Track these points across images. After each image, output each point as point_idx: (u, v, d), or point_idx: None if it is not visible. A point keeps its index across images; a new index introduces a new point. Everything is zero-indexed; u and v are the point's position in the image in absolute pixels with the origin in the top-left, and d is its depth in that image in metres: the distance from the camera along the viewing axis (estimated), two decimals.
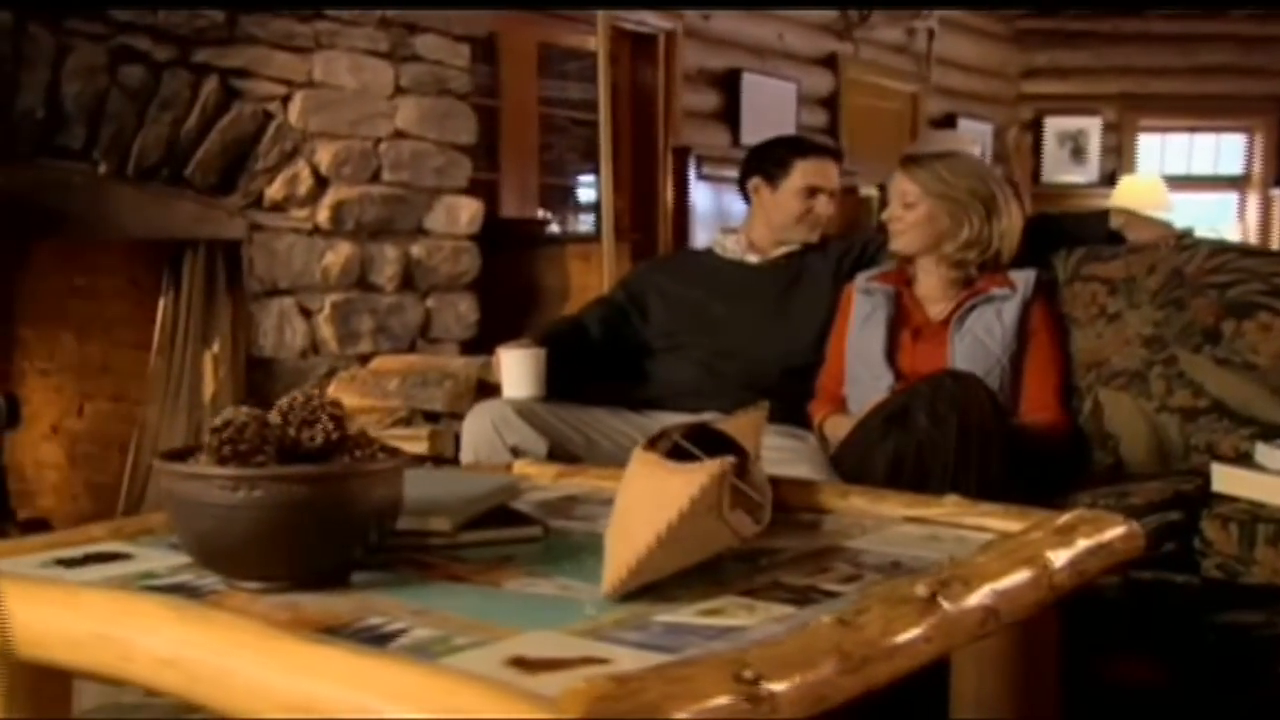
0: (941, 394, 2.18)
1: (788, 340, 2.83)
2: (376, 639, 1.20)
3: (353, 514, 1.35)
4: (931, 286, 2.80)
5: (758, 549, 1.60)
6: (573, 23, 6.35)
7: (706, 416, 2.70)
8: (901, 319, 2.76)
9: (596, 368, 2.94)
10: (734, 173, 6.81)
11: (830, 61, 7.45)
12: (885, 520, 1.78)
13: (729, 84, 6.93)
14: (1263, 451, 2.23)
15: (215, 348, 3.22)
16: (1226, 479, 2.25)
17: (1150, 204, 7.28)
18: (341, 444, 1.38)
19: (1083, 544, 1.54)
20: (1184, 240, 2.84)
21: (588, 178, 6.58)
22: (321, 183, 3.46)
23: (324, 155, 3.45)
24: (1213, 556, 2.08)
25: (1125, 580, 2.13)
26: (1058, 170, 9.21)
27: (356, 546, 1.37)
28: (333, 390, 3.39)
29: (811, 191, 2.89)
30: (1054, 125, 9.25)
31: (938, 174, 2.73)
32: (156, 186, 3.11)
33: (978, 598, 1.34)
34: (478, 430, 2.47)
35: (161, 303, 3.20)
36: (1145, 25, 8.74)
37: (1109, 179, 8.98)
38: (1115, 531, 1.62)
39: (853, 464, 2.39)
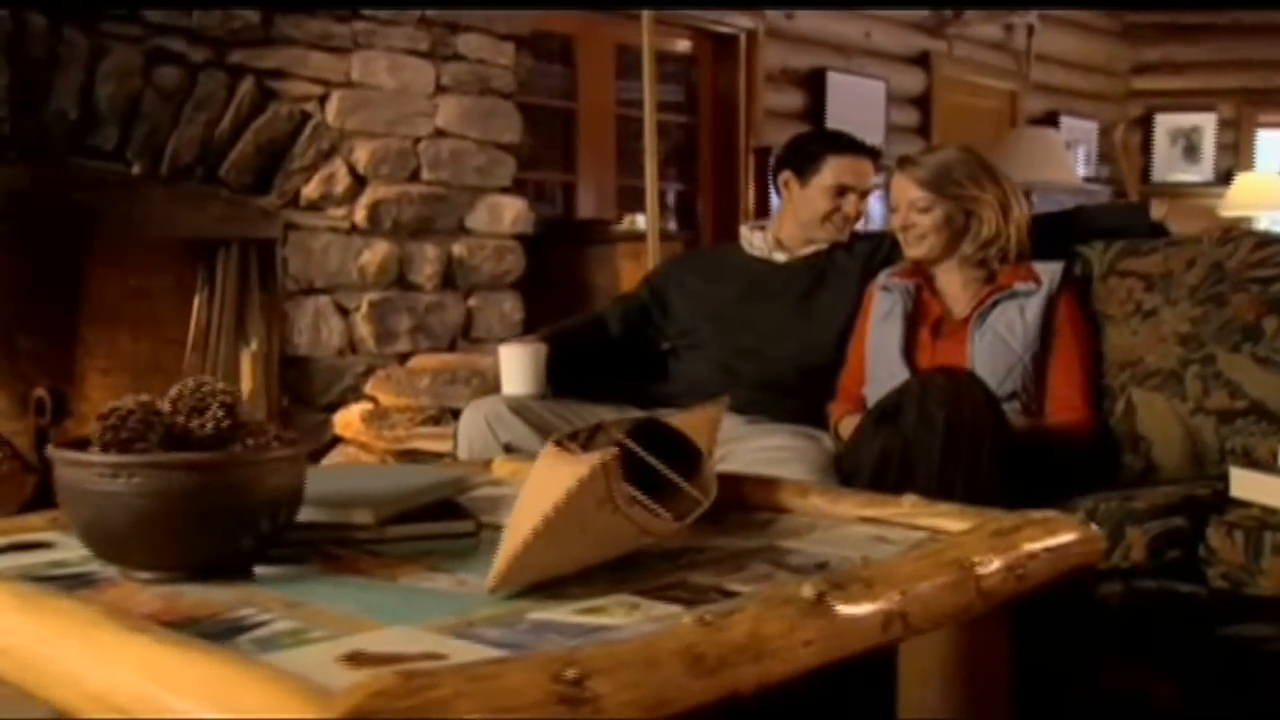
0: (932, 391, 2.08)
1: (808, 339, 2.76)
2: (231, 631, 1.18)
3: (238, 503, 1.33)
4: (952, 283, 2.71)
5: (688, 547, 1.54)
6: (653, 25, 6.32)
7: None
8: (921, 316, 2.67)
9: (615, 364, 2.90)
10: None
11: (922, 59, 7.30)
12: (840, 520, 1.71)
13: (813, 83, 6.83)
14: None
15: (253, 346, 3.25)
16: (1244, 483, 2.12)
17: (1269, 203, 7.00)
18: (233, 432, 1.35)
19: (1026, 548, 1.45)
20: (1231, 232, 2.70)
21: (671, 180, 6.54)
22: (360, 182, 3.48)
23: (361, 154, 3.46)
24: (1218, 566, 1.96)
25: (1128, 589, 2.02)
26: (1169, 169, 8.89)
27: (245, 537, 1.35)
28: (369, 389, 3.40)
29: (842, 190, 2.80)
30: (1165, 122, 8.93)
31: (944, 173, 2.63)
32: (191, 186, 3.15)
33: (880, 601, 1.26)
34: (472, 426, 2.44)
35: (196, 300, 3.25)
36: (1268, 17, 8.38)
37: (1224, 177, 8.63)
38: (1068, 536, 1.53)
39: (848, 464, 2.32)
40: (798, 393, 2.69)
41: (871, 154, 2.88)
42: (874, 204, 5.00)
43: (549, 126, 5.97)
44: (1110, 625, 2.03)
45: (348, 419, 3.29)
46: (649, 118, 3.86)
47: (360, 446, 3.28)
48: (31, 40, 2.89)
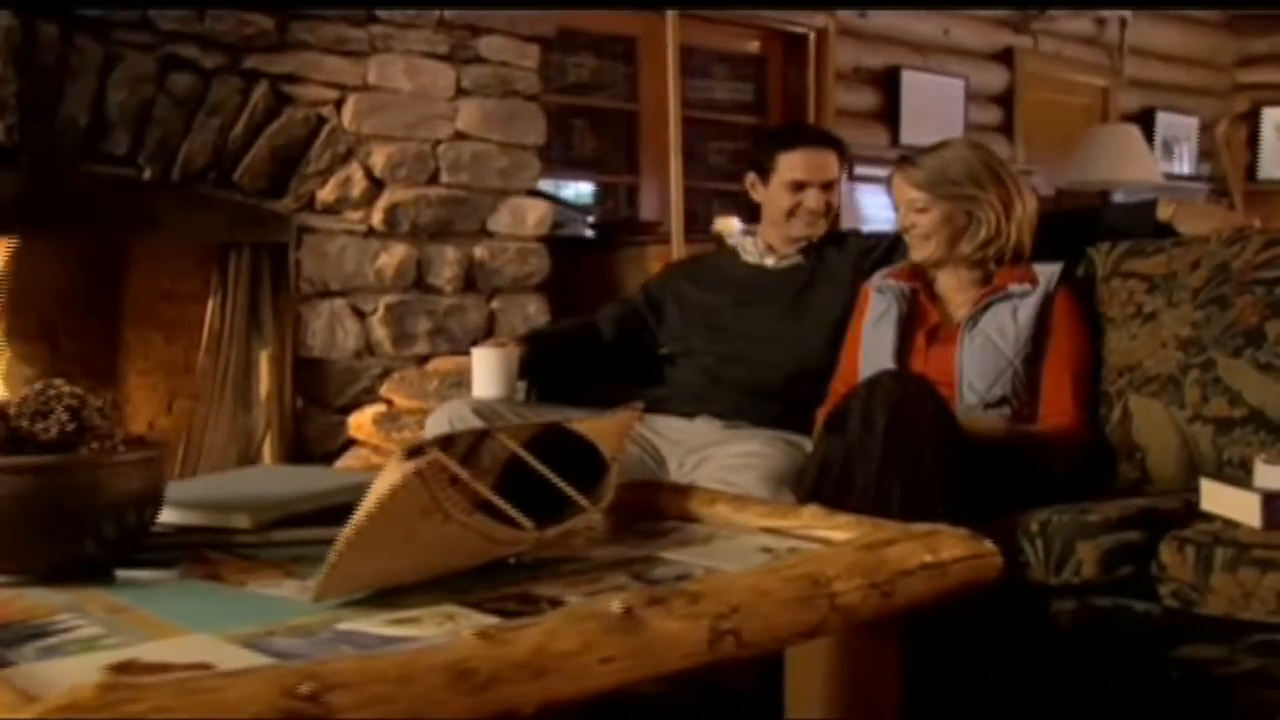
0: (877, 396, 2.01)
1: (799, 344, 2.70)
2: (28, 636, 1.18)
3: (80, 507, 1.33)
4: (950, 285, 2.63)
5: (563, 557, 1.52)
6: (718, 24, 6.28)
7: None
8: (917, 319, 2.59)
9: (607, 368, 2.87)
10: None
11: (1005, 56, 7.12)
12: (741, 530, 1.66)
13: (887, 82, 6.72)
14: (1261, 468, 1.98)
15: (271, 348, 3.29)
16: (1214, 496, 2.02)
17: None
18: (79, 436, 1.35)
19: (895, 564, 1.39)
20: (1243, 232, 2.57)
21: (734, 182, 6.48)
22: (377, 185, 3.49)
23: (379, 158, 3.47)
24: (1168, 583, 1.85)
25: (1080, 606, 1.93)
26: (1277, 166, 8.56)
27: (88, 541, 1.35)
28: (384, 391, 3.41)
29: (799, 185, 2.74)
30: (1273, 117, 8.59)
31: (940, 173, 2.55)
32: (203, 190, 3.19)
33: (704, 618, 1.21)
34: (437, 429, 2.42)
35: (210, 303, 3.29)
36: None
37: None
38: (952, 552, 1.45)
39: (807, 472, 2.25)
40: (786, 398, 2.64)
41: (826, 144, 2.80)
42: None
43: (612, 129, 5.97)
44: (1062, 645, 1.94)
45: (360, 421, 3.30)
46: (673, 115, 3.83)
47: (373, 449, 3.29)
48: (42, 48, 2.95)
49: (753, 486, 2.22)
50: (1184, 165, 8.01)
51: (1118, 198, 6.47)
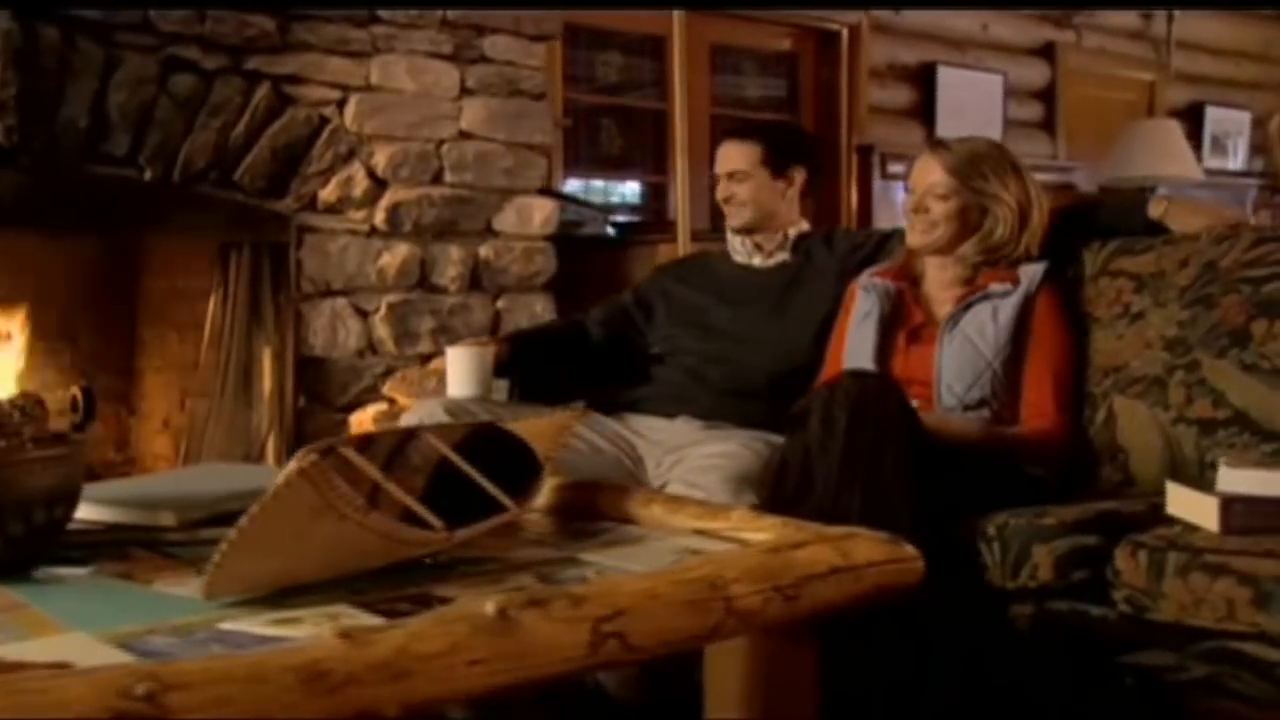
0: (837, 396, 1.99)
1: (782, 343, 2.68)
2: None
3: None
4: (936, 284, 2.59)
5: (481, 557, 1.51)
6: (750, 22, 6.26)
7: (680, 421, 2.61)
8: (900, 318, 2.56)
9: (593, 368, 2.86)
10: None
11: (1046, 51, 7.03)
12: (673, 532, 1.64)
13: (923, 79, 6.66)
14: (1224, 471, 1.93)
15: (272, 346, 3.32)
16: (1177, 500, 1.97)
17: None
18: None
19: (801, 568, 1.37)
20: (1237, 229, 2.50)
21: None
22: (380, 184, 3.51)
23: (381, 157, 3.49)
24: (1121, 588, 1.81)
25: (1038, 611, 1.90)
26: None
27: None
28: (386, 389, 3.43)
29: (717, 178, 2.83)
30: None
31: (975, 165, 2.50)
32: (203, 190, 3.23)
33: (585, 621, 1.20)
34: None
35: (211, 301, 3.33)
36: None
37: None
38: (872, 556, 1.43)
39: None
40: (768, 397, 2.61)
41: (734, 136, 2.88)
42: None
43: (639, 128, 5.96)
44: (1019, 649, 1.90)
45: (362, 419, 3.32)
46: (679, 110, 3.81)
47: None
48: (44, 51, 3.00)
49: (715, 488, 2.20)
50: (1236, 161, 7.85)
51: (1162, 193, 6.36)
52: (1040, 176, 7.01)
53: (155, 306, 3.88)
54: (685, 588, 1.28)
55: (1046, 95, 7.03)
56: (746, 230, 2.80)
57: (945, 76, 6.67)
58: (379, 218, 3.51)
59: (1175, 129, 6.52)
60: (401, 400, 3.46)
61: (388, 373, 3.49)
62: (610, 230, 4.61)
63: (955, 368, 2.43)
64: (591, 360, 2.86)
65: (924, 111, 6.63)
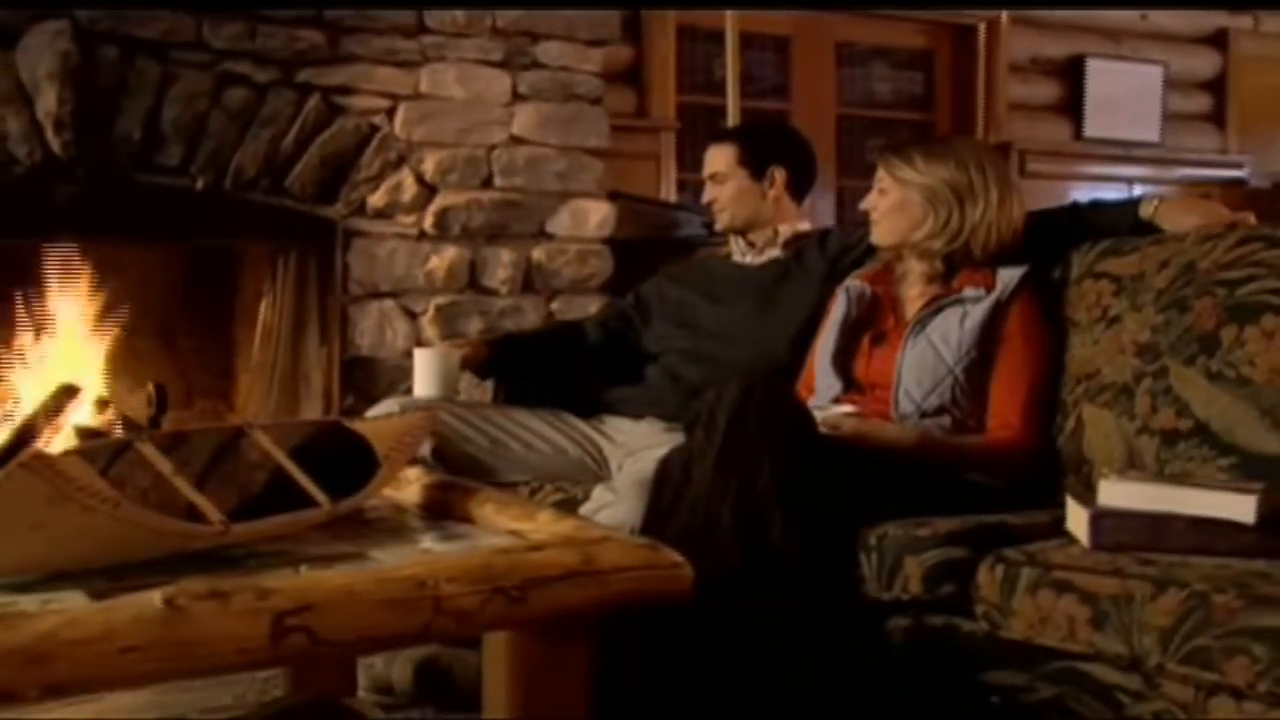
0: (722, 400, 1.97)
1: (761, 342, 2.67)
2: None
3: None
4: (912, 286, 2.54)
5: (272, 552, 1.56)
6: (879, 19, 6.16)
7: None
8: (869, 321, 2.52)
9: (589, 369, 2.89)
10: (1072, 168, 6.31)
11: (1218, 39, 6.68)
12: (491, 531, 1.67)
13: (1071, 72, 6.42)
14: (1104, 484, 1.83)
15: (320, 346, 3.48)
16: (1071, 513, 1.88)
17: None
18: None
19: (540, 570, 1.38)
20: (1231, 228, 2.36)
21: None
22: (429, 190, 3.62)
23: (430, 163, 3.60)
24: (981, 603, 1.74)
25: (913, 624, 1.85)
26: None
27: None
28: None
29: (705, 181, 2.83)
30: None
31: (911, 160, 2.48)
32: (255, 197, 3.40)
33: (266, 614, 1.25)
34: None
35: (263, 304, 3.50)
36: None
37: None
38: (622, 561, 1.43)
39: None
40: None
41: (715, 139, 2.89)
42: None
43: None
44: (893, 664, 1.86)
45: None
46: (732, 106, 3.79)
47: None
48: (102, 70, 3.21)
49: (627, 493, 2.20)
50: None
51: None
52: (1206, 172, 6.64)
53: (247, 308, 4.08)
54: (389, 585, 1.31)
55: (1215, 85, 6.68)
56: (733, 232, 2.79)
57: (1096, 69, 6.42)
58: (428, 222, 3.62)
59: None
60: None
61: None
62: (705, 232, 4.61)
63: (915, 373, 2.37)
64: (588, 362, 2.88)
65: (1071, 106, 6.40)
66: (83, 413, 3.66)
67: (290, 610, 1.25)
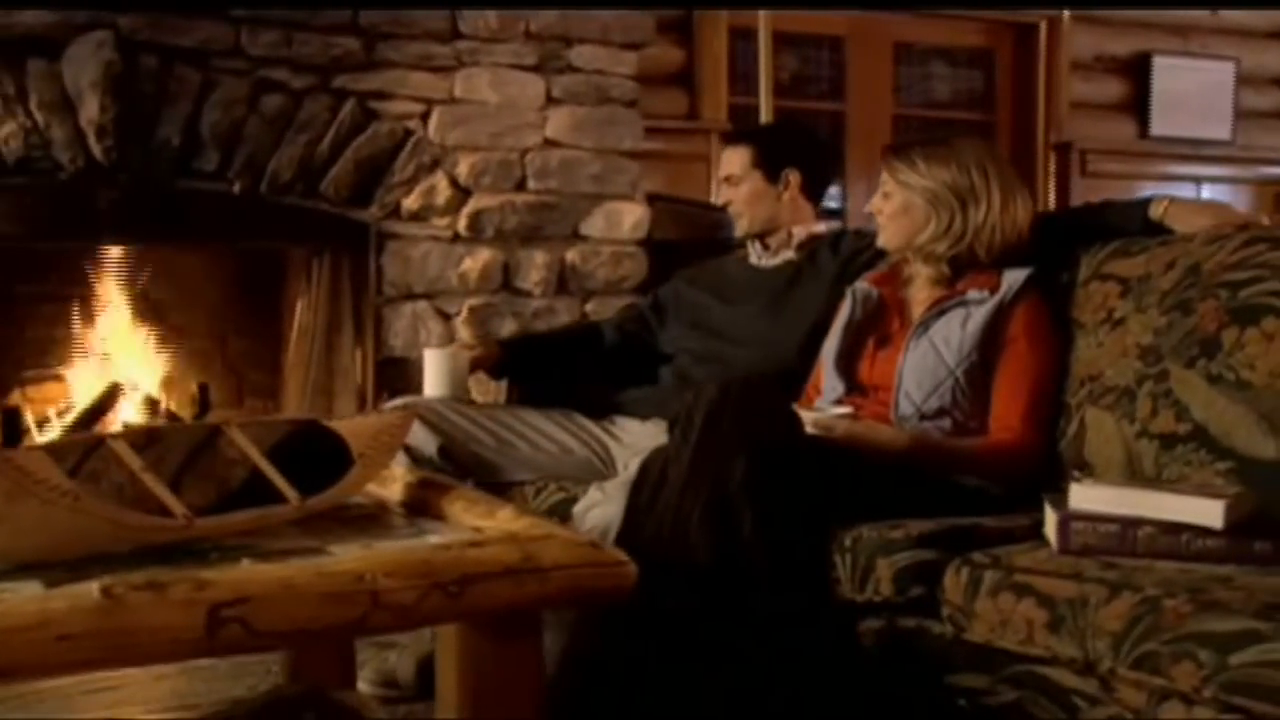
0: (701, 399, 1.99)
1: (771, 344, 2.69)
2: None
3: None
4: (919, 288, 2.53)
5: (240, 545, 1.61)
6: (938, 18, 6.12)
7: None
8: (875, 323, 2.52)
9: (606, 371, 2.91)
10: (1137, 168, 6.21)
11: None
12: (456, 528, 1.70)
13: (1136, 70, 6.33)
14: (1075, 488, 1.82)
15: (353, 345, 3.55)
16: (1048, 517, 1.87)
17: None
18: None
19: (478, 566, 1.41)
20: (1242, 230, 2.32)
21: None
22: (463, 192, 3.67)
23: (464, 167, 3.66)
24: (946, 606, 1.74)
25: (886, 626, 1.85)
26: None
27: None
28: None
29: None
30: None
31: (913, 163, 2.48)
32: (291, 201, 3.48)
33: (204, 605, 1.29)
34: None
35: (299, 305, 3.58)
36: None
37: None
38: (563, 559, 1.46)
39: None
40: None
41: (729, 141, 2.92)
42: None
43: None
44: (865, 665, 1.86)
45: None
46: (765, 106, 3.79)
47: None
48: (143, 79, 3.31)
49: (616, 493, 2.22)
50: None
51: None
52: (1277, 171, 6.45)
53: (293, 308, 4.17)
54: (328, 579, 1.35)
55: None
56: (752, 237, 2.80)
57: (1162, 66, 6.32)
58: (461, 224, 3.68)
59: None
60: (479, 398, 3.62)
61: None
62: None
63: (915, 375, 2.37)
64: (603, 363, 2.91)
65: (1136, 105, 6.30)
66: (131, 411, 3.78)
67: (227, 602, 1.30)
